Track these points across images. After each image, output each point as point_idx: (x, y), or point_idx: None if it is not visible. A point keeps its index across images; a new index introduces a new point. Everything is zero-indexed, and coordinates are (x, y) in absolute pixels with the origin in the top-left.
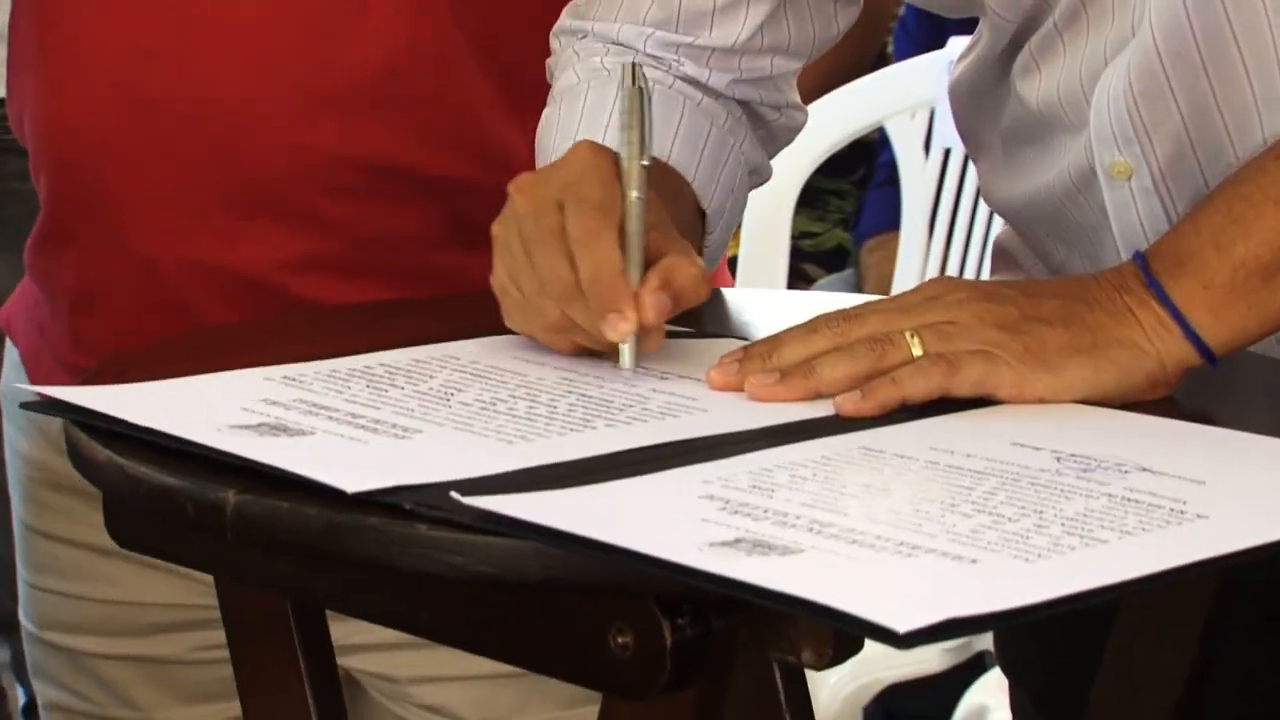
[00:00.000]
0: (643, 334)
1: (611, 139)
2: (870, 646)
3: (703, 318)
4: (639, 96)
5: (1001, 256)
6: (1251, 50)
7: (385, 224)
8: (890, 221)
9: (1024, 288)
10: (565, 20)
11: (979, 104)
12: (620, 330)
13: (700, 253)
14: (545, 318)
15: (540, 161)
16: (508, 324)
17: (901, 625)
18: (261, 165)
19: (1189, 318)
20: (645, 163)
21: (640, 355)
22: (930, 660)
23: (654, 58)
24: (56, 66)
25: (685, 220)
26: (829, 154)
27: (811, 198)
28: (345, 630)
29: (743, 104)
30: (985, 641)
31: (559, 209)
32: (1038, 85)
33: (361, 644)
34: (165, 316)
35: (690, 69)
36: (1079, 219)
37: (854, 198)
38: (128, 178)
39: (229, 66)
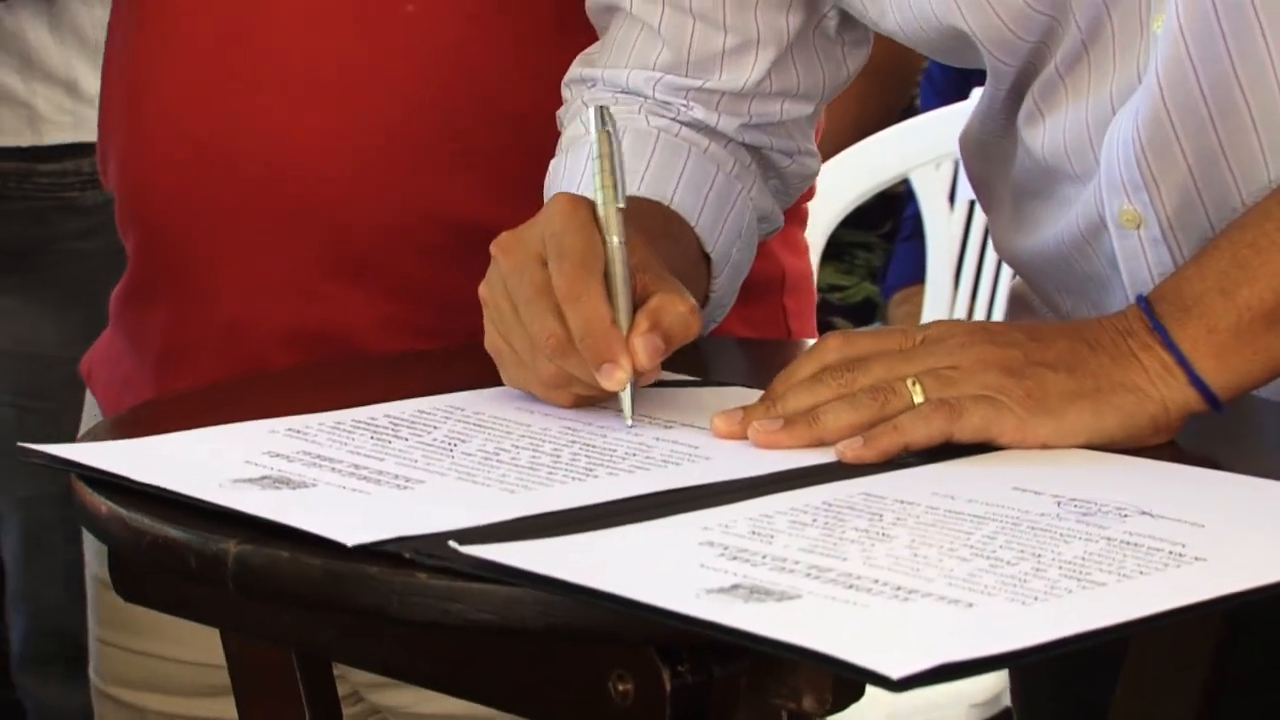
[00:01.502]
0: (638, 376)
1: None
2: (896, 700)
3: (710, 367)
4: (608, 140)
5: (1017, 304)
6: (1258, 100)
7: (466, 285)
8: (917, 274)
9: (1030, 330)
10: (575, 69)
11: (987, 156)
12: (617, 379)
13: (707, 297)
14: (541, 374)
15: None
16: (506, 382)
17: (895, 671)
18: (345, 226)
19: (1194, 362)
20: (621, 205)
21: (642, 402)
22: (959, 716)
23: (663, 103)
24: (143, 126)
25: (686, 263)
26: (854, 206)
27: (840, 251)
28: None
29: (753, 150)
30: None
31: (542, 264)
32: (1043, 134)
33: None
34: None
35: (699, 113)
36: (1087, 270)
37: (882, 251)
38: (213, 238)
39: (312, 128)
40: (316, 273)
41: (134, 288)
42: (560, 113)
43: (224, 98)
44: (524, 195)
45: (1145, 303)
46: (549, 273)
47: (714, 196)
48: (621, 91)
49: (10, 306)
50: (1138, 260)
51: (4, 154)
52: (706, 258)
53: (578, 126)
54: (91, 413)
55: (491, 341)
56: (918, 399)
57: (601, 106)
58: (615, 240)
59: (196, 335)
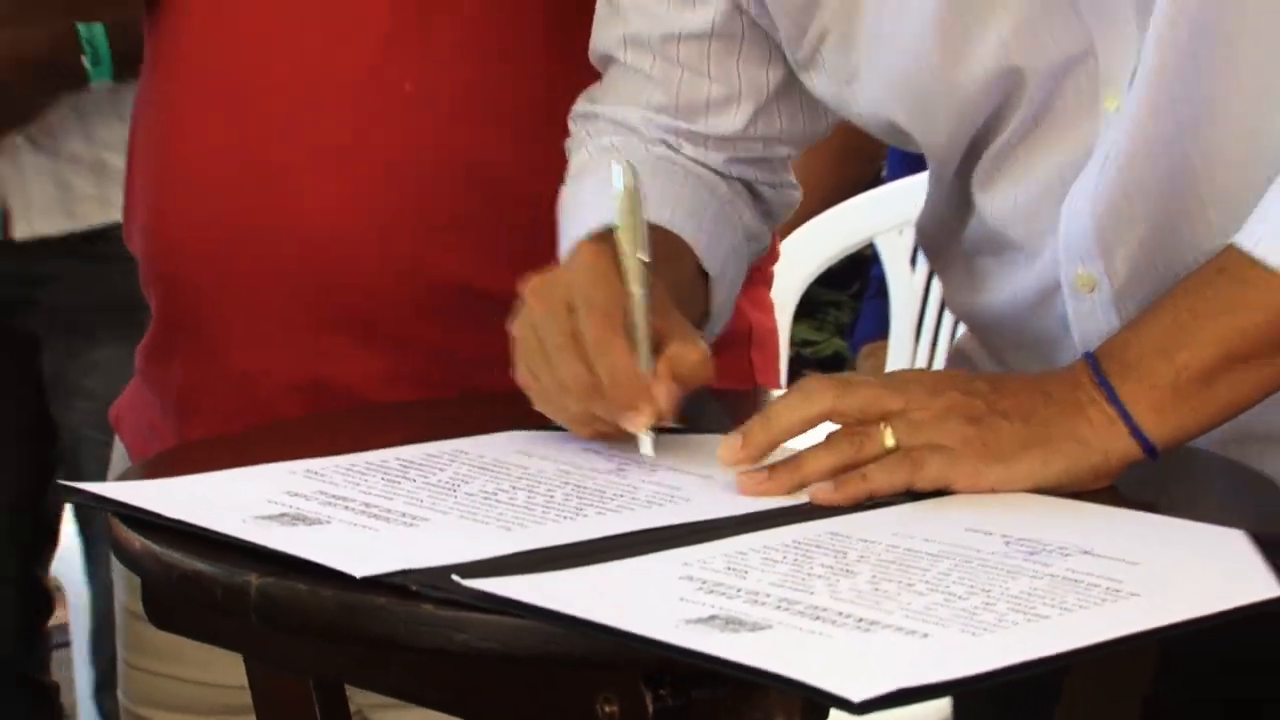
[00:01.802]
0: (658, 419)
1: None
2: None
3: (686, 414)
4: (632, 197)
5: (958, 358)
6: (1211, 182)
7: (459, 341)
8: (882, 330)
9: (992, 381)
10: (579, 105)
11: (942, 227)
12: (639, 423)
13: (707, 312)
14: (568, 411)
15: (560, 235)
16: (537, 409)
17: (857, 695)
18: (348, 288)
19: (1135, 416)
20: (644, 258)
21: (631, 447)
22: None
23: (660, 139)
24: (164, 197)
25: (685, 280)
26: (825, 268)
27: (812, 308)
28: None
29: (740, 180)
30: None
31: (570, 312)
32: (998, 199)
33: None
34: (261, 421)
35: (689, 150)
36: (1039, 327)
37: (851, 309)
38: (226, 297)
39: (318, 198)
40: (321, 330)
41: (155, 342)
42: (567, 144)
43: (237, 171)
44: (515, 260)
45: (1093, 359)
46: (576, 320)
47: (710, 218)
48: (625, 128)
49: (112, 356)
50: (1089, 321)
51: (116, 226)
52: (704, 275)
53: (583, 155)
54: (119, 455)
55: (522, 376)
56: (889, 442)
57: (627, 162)
58: (637, 290)
59: (211, 387)
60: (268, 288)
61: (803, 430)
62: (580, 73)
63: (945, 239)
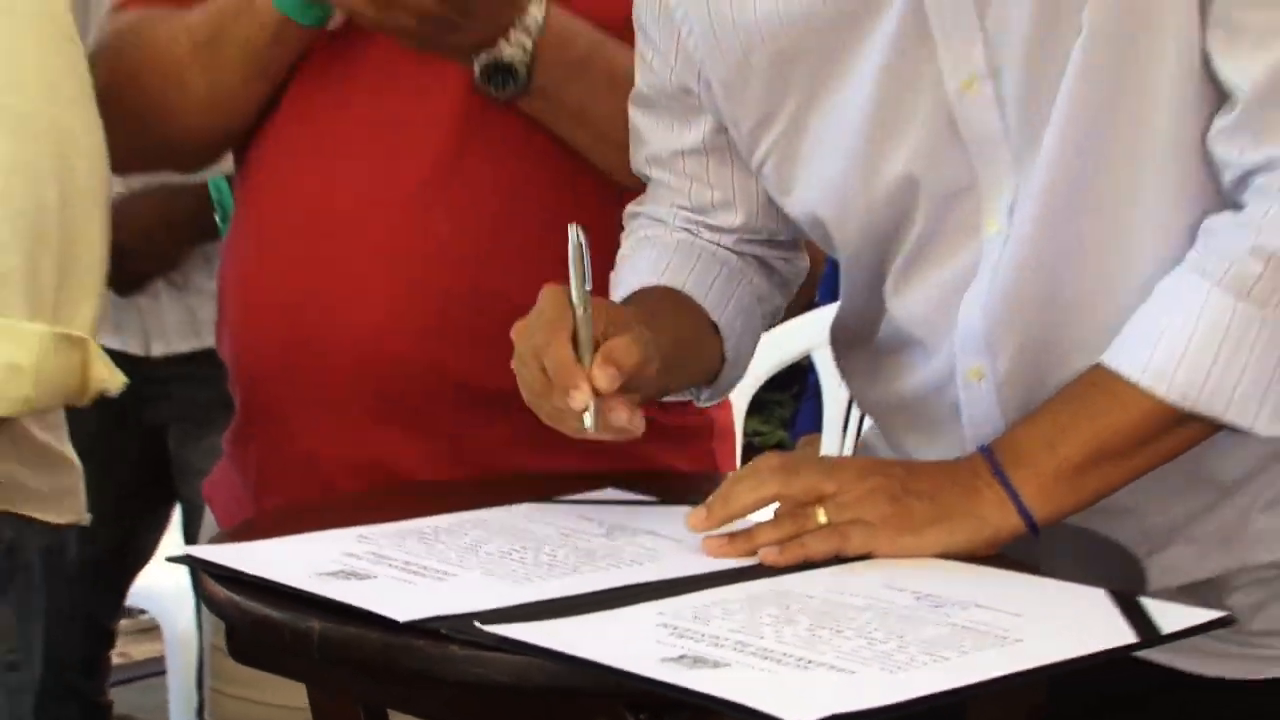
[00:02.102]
0: (606, 407)
1: (650, 280)
2: None
3: (662, 491)
4: (578, 248)
5: (864, 448)
6: (1078, 300)
7: (486, 430)
8: (817, 425)
9: (909, 467)
10: (629, 208)
11: (856, 328)
12: (578, 400)
13: (723, 360)
14: (543, 413)
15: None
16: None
17: None
18: (395, 387)
19: (1023, 499)
20: (588, 287)
21: (616, 514)
22: None
23: (684, 228)
24: (240, 309)
25: (696, 331)
26: (771, 374)
27: (760, 407)
28: None
29: (752, 256)
30: None
31: (533, 335)
32: (907, 305)
33: None
34: (323, 496)
35: (707, 235)
36: (932, 413)
37: (791, 406)
38: (293, 394)
39: (369, 312)
40: (372, 421)
41: (237, 430)
42: (622, 235)
43: (299, 293)
44: None
45: (988, 451)
46: (535, 338)
47: (719, 282)
48: (657, 221)
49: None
50: (976, 406)
51: None
52: (716, 328)
53: (628, 244)
54: (209, 523)
55: (524, 398)
56: (822, 520)
57: (576, 226)
58: (581, 311)
59: (281, 466)
60: (327, 386)
61: (755, 509)
62: (583, 206)
63: (858, 341)
